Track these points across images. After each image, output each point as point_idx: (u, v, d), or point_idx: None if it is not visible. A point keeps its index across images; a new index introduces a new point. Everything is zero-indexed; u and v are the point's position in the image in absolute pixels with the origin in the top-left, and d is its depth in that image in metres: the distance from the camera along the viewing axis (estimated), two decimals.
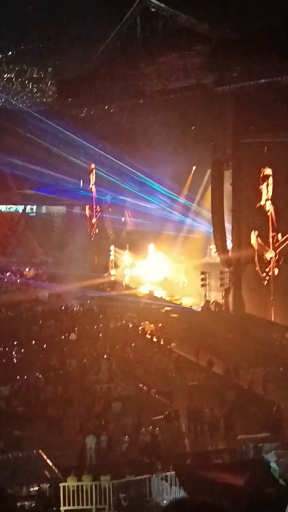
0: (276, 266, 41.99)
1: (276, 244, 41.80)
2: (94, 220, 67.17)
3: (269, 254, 42.46)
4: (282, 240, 41.24)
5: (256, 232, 43.49)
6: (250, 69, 39.84)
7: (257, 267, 43.33)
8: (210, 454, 27.08)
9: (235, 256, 46.06)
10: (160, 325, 45.23)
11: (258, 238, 43.39)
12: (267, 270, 42.61)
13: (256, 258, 43.45)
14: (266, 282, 42.69)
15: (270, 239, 42.17)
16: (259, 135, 42.86)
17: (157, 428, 28.58)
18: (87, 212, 67.88)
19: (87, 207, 67.81)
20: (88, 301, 53.40)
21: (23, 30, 42.89)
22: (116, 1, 43.02)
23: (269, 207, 42.12)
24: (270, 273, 42.41)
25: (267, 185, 42.26)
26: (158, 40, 43.20)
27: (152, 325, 45.24)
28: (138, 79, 45.92)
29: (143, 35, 43.27)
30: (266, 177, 42.31)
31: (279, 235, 41.40)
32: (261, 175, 42.48)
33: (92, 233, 67.07)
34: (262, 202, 42.48)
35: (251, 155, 44.24)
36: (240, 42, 38.67)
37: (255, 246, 43.50)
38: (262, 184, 42.50)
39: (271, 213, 42.08)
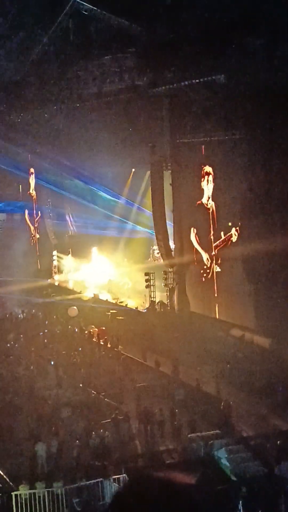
0: (216, 263, 42.31)
1: (217, 242, 42.10)
2: (35, 225, 66.82)
3: (207, 255, 42.80)
4: (223, 238, 41.54)
5: (195, 230, 43.80)
6: (184, 70, 40.06)
7: (195, 264, 43.65)
8: (161, 454, 27.15)
9: (177, 256, 46.27)
10: (106, 328, 45.21)
11: (196, 236, 43.70)
12: (205, 267, 42.93)
13: (194, 257, 43.78)
14: (204, 279, 42.97)
15: (211, 237, 42.47)
16: (196, 135, 43.12)
17: (107, 431, 28.58)
18: (27, 217, 67.49)
19: (26, 212, 67.40)
20: (33, 310, 53.08)
21: None
22: (48, 5, 42.73)
23: (210, 204, 42.41)
24: (209, 271, 42.71)
25: (207, 182, 42.56)
26: (92, 43, 43.13)
27: (98, 329, 45.19)
28: (73, 83, 45.80)
29: (76, 39, 43.14)
30: (206, 175, 42.60)
31: (221, 233, 41.68)
32: (202, 173, 42.75)
33: (33, 239, 66.75)
34: (204, 200, 42.75)
35: (189, 154, 44.48)
36: (172, 43, 38.82)
37: (194, 243, 43.81)
38: (203, 182, 42.79)
39: (212, 211, 42.38)
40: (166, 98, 44.23)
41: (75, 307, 49.07)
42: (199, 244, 43.52)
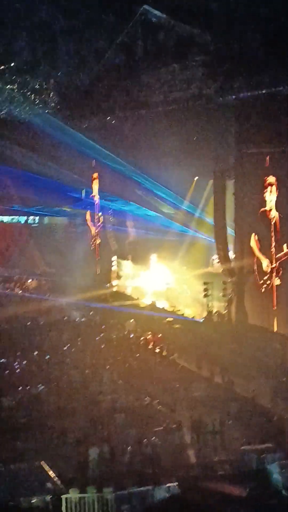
0: (277, 275, 41.90)
1: (279, 254, 41.72)
2: (96, 230, 67.04)
3: (269, 264, 42.40)
4: (286, 251, 41.18)
5: (256, 236, 43.38)
6: (252, 80, 39.91)
7: (255, 273, 43.23)
8: (213, 465, 26.94)
9: (237, 266, 45.99)
10: (162, 335, 45.14)
11: (257, 242, 43.28)
12: (265, 278, 42.52)
13: (255, 266, 43.38)
14: (264, 290, 42.55)
15: (273, 248, 42.10)
16: (261, 145, 42.87)
17: (159, 439, 28.51)
18: (89, 222, 67.74)
19: (88, 217, 67.62)
20: (91, 312, 53.35)
21: (25, 42, 43.02)
22: (118, 12, 43.09)
23: (273, 215, 42.06)
24: (269, 282, 42.32)
25: (271, 193, 42.21)
26: (160, 51, 43.31)
27: (154, 336, 45.15)
28: (140, 90, 46.00)
29: (144, 46, 43.37)
30: (269, 185, 42.25)
31: (284, 246, 41.33)
32: (265, 183, 42.44)
33: (93, 244, 66.98)
34: (267, 208, 42.38)
35: (253, 165, 44.24)
36: (241, 52, 38.74)
37: (255, 250, 43.38)
38: (266, 192, 42.47)
39: (275, 221, 42.01)
40: (232, 107, 44.07)
41: (132, 320, 48.94)
42: (259, 251, 43.10)
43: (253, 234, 43.64)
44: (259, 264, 43.07)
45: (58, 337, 45.21)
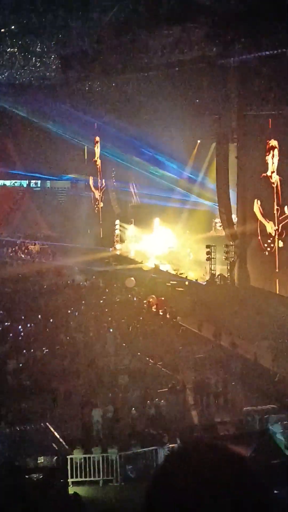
0: (280, 239, 41.98)
1: (281, 217, 41.76)
2: (99, 194, 67.01)
3: (272, 226, 42.43)
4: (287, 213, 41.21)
5: (259, 202, 43.39)
6: (255, 41, 39.61)
7: (259, 237, 43.29)
8: (216, 426, 27.27)
9: (240, 229, 46.05)
10: (165, 298, 45.38)
11: (260, 208, 43.30)
12: (269, 241, 42.58)
13: (258, 230, 43.41)
14: (267, 253, 42.64)
15: (275, 212, 42.13)
16: (264, 108, 42.71)
17: (163, 401, 28.84)
18: (92, 185, 67.66)
19: (91, 180, 67.55)
20: (94, 276, 53.56)
21: (25, 4, 42.62)
22: None
23: (274, 178, 42.02)
24: (273, 245, 42.38)
25: (273, 156, 42.14)
26: (162, 13, 42.90)
27: (157, 299, 45.39)
28: (142, 52, 45.67)
29: (146, 8, 42.95)
30: (271, 149, 42.17)
31: (285, 208, 41.33)
32: (267, 147, 42.34)
33: (97, 207, 67.00)
34: (268, 174, 42.35)
35: (256, 127, 44.10)
36: (244, 14, 38.40)
37: (258, 214, 43.41)
38: (268, 156, 42.39)
39: (276, 185, 41.99)
40: (234, 69, 43.81)
41: (132, 278, 49.30)
42: (262, 216, 43.14)
43: (256, 199, 43.61)
44: (263, 228, 43.11)
45: (62, 301, 45.46)
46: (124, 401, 29.71)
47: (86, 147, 67.23)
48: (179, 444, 22.80)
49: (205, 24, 41.34)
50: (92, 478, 23.39)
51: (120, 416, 28.46)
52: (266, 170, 42.46)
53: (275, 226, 42.12)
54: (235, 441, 23.66)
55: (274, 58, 38.99)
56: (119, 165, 65.46)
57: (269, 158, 42.30)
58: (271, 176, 42.22)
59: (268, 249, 42.56)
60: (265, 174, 42.42)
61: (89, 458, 23.68)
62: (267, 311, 39.63)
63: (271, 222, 42.38)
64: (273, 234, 42.31)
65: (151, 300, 45.51)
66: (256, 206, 43.49)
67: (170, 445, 23.52)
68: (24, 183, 77.39)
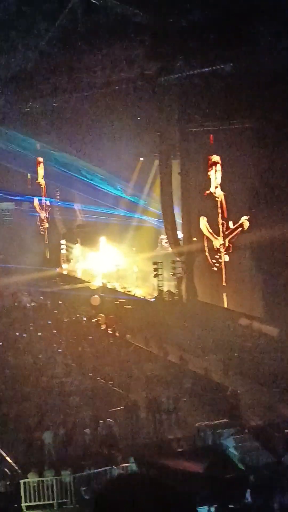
0: (226, 253, 42.27)
1: (227, 232, 42.04)
2: (44, 214, 66.91)
3: (218, 242, 42.72)
4: (233, 228, 41.46)
5: (205, 218, 43.71)
6: (193, 58, 39.94)
7: (206, 253, 43.58)
8: (170, 443, 27.25)
9: (186, 245, 46.25)
10: (114, 316, 45.30)
11: (207, 224, 43.60)
12: (216, 257, 42.86)
13: (205, 245, 43.69)
14: (216, 269, 42.92)
15: (220, 226, 42.42)
16: (204, 124, 43.07)
17: (115, 420, 28.71)
18: (37, 207, 67.57)
19: (36, 202, 67.49)
20: (41, 297, 53.24)
21: None
22: None
23: (218, 194, 42.35)
24: (221, 260, 42.66)
25: (215, 171, 42.49)
26: (100, 32, 43.02)
27: (106, 317, 45.28)
28: (82, 72, 45.69)
29: (84, 27, 43.05)
30: (213, 164, 42.51)
31: (230, 223, 41.63)
32: (209, 162, 42.68)
33: (42, 228, 66.85)
34: (212, 190, 42.69)
35: (197, 143, 44.44)
36: (181, 31, 38.72)
37: (204, 230, 43.74)
38: (210, 171, 42.72)
39: (220, 200, 42.32)
40: (174, 86, 44.09)
41: (97, 296, 49.06)
42: (209, 232, 43.42)
43: (201, 216, 43.92)
44: (209, 244, 43.39)
45: (9, 323, 45.05)
46: (76, 422, 29.51)
47: (28, 172, 67.18)
48: (134, 465, 22.71)
49: (144, 42, 41.58)
50: (46, 502, 23.17)
51: (73, 437, 28.26)
52: (209, 186, 42.76)
53: (221, 240, 42.40)
54: (189, 456, 23.64)
55: (212, 74, 39.36)
56: (63, 185, 65.28)
57: (211, 174, 42.63)
58: (214, 192, 42.55)
59: (217, 264, 42.83)
60: (208, 191, 42.77)
61: (43, 481, 23.44)
62: (216, 325, 39.84)
63: (218, 237, 42.68)
64: (220, 249, 42.59)
65: (99, 319, 45.38)
66: (203, 223, 43.78)
67: (124, 464, 23.42)
68: None
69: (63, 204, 67.01)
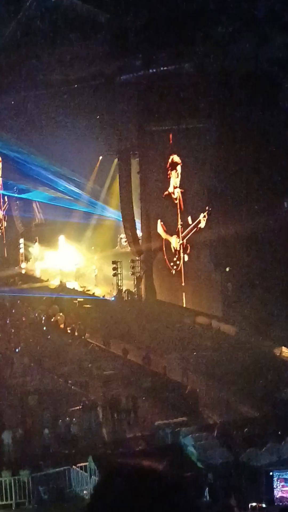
0: (184, 253, 42.37)
1: (185, 232, 42.13)
2: (1, 213, 66.35)
3: (177, 242, 42.82)
4: (190, 227, 41.57)
5: (162, 222, 43.86)
6: (153, 57, 39.97)
7: (165, 256, 43.71)
8: (129, 442, 27.22)
9: (144, 245, 46.27)
10: (73, 316, 45.13)
11: (164, 227, 43.74)
12: (175, 258, 42.97)
13: (163, 246, 43.79)
14: (174, 270, 43.06)
15: (179, 226, 42.51)
16: (164, 123, 43.11)
17: (74, 419, 28.63)
18: None
19: None
20: None
21: None
22: None
23: (177, 194, 42.43)
24: (179, 261, 42.77)
25: (176, 171, 42.55)
26: (59, 30, 42.85)
27: (65, 317, 45.09)
28: (40, 70, 45.44)
29: (43, 26, 42.83)
30: (173, 164, 42.58)
31: (189, 220, 41.68)
32: (169, 162, 42.74)
33: (0, 227, 66.28)
34: (170, 190, 42.76)
35: (157, 143, 44.46)
36: (141, 30, 38.72)
37: (162, 234, 43.87)
38: (170, 171, 42.78)
39: (179, 201, 42.41)
40: (134, 85, 44.05)
41: (56, 306, 48.23)
42: (166, 233, 43.52)
43: (159, 220, 44.04)
44: (167, 244, 43.49)
45: None
46: (35, 421, 29.35)
47: None
48: (93, 464, 22.64)
49: (103, 41, 41.51)
50: (4, 502, 22.99)
51: (31, 437, 28.10)
52: (168, 185, 42.83)
53: (180, 240, 42.50)
54: (147, 455, 23.64)
55: (172, 73, 39.44)
56: (21, 183, 64.81)
57: (172, 173, 42.70)
58: (173, 192, 42.63)
59: (175, 266, 42.95)
60: (167, 192, 42.86)
61: (0, 481, 23.27)
62: (174, 324, 39.91)
63: (176, 237, 42.78)
64: (178, 249, 42.69)
65: (58, 318, 45.18)
66: (160, 227, 43.91)
67: (82, 464, 23.34)
68: None
69: (20, 201, 66.41)
